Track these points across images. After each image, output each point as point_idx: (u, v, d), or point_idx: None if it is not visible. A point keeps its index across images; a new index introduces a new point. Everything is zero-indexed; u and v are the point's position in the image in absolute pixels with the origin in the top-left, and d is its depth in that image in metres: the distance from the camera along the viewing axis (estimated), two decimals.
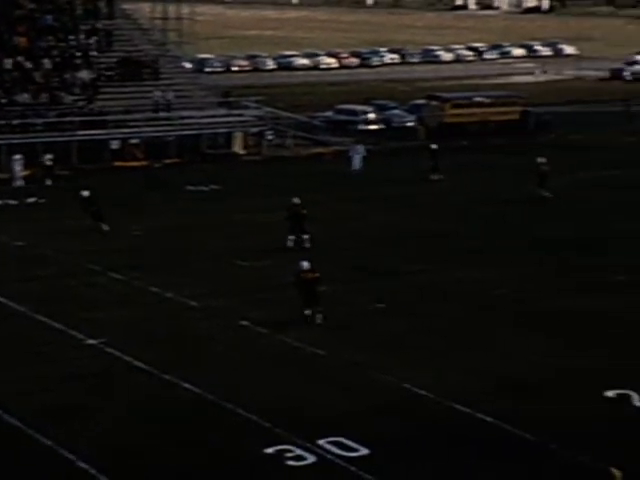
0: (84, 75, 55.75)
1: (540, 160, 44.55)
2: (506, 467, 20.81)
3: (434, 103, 62.70)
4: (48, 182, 47.10)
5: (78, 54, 57.13)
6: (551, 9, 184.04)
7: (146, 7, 67.43)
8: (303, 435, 21.78)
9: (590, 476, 20.52)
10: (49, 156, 48.07)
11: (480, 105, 62.29)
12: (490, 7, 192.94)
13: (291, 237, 36.25)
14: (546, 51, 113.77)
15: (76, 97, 54.60)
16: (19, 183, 47.09)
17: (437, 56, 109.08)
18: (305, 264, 28.93)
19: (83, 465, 20.60)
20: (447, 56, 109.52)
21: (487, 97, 63.96)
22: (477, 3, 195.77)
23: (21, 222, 40.06)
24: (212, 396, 23.82)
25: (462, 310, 30.12)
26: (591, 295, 31.41)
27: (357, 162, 50.33)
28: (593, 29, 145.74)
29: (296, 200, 37.15)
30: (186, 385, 24.46)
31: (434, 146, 49.08)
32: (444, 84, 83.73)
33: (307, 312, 28.66)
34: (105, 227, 37.90)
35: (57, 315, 29.04)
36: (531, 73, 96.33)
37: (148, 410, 23.29)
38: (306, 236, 36.26)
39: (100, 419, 22.70)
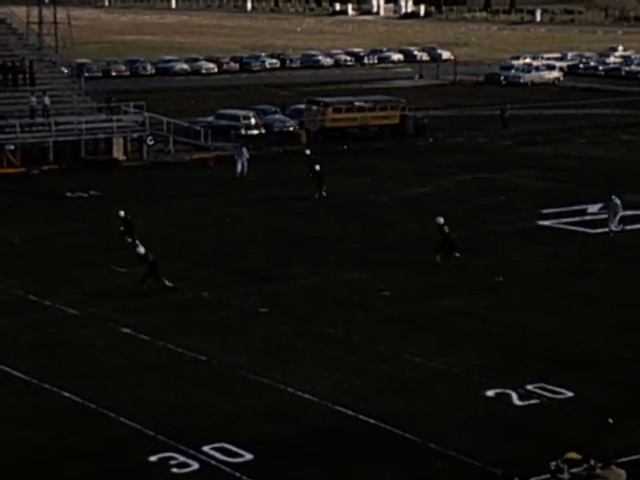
0: None
1: (318, 168, 45.35)
2: (388, 467, 21.01)
3: (315, 108, 63.01)
4: None
5: None
6: (428, 15, 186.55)
7: (21, 11, 66.28)
8: (186, 442, 21.68)
9: (471, 475, 20.86)
10: None
11: (360, 109, 62.76)
12: (369, 13, 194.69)
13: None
14: (424, 56, 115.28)
15: None
16: None
17: (317, 61, 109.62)
18: (142, 249, 32.16)
19: None
20: (327, 61, 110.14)
21: (367, 101, 64.49)
22: (356, 9, 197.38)
23: None
24: (94, 405, 23.53)
25: (345, 312, 30.32)
26: (471, 295, 31.92)
27: (241, 166, 50.25)
28: (469, 34, 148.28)
29: (122, 213, 37.30)
30: (66, 394, 24.11)
31: (308, 151, 49.50)
32: (324, 89, 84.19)
33: (168, 284, 31.70)
34: None
35: None
36: (410, 78, 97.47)
37: (26, 420, 22.88)
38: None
39: None
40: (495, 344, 27.81)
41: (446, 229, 34.79)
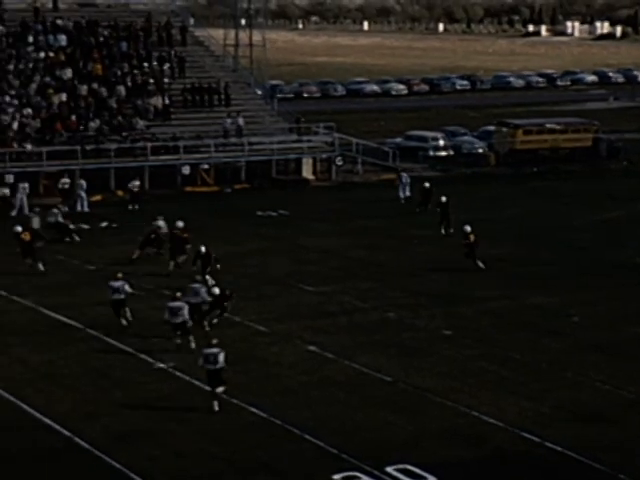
0: (157, 101, 56.43)
1: (444, 199, 42.83)
2: None
3: (504, 129, 62.46)
4: (134, 207, 47.58)
5: (151, 81, 57.89)
6: (624, 36, 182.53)
7: (218, 34, 68.15)
8: (370, 462, 21.69)
9: None
10: (136, 182, 48.65)
11: (551, 131, 61.93)
12: (563, 34, 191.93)
13: (171, 262, 36.38)
14: (619, 78, 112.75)
15: (149, 123, 55.29)
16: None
17: (508, 82, 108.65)
18: (217, 290, 30.44)
19: None
20: (518, 82, 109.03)
21: (558, 124, 63.55)
22: (549, 30, 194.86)
23: (92, 247, 40.50)
24: (279, 421, 23.83)
25: (533, 337, 29.83)
26: None
27: (403, 191, 49.86)
28: None
29: (180, 224, 37.53)
30: (253, 409, 24.50)
31: (427, 184, 47.52)
32: (515, 110, 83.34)
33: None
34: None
35: (127, 339, 29.29)
36: (604, 100, 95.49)
37: (215, 434, 23.34)
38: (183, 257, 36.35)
39: (169, 442, 22.81)
40: None
41: (471, 238, 36.79)
